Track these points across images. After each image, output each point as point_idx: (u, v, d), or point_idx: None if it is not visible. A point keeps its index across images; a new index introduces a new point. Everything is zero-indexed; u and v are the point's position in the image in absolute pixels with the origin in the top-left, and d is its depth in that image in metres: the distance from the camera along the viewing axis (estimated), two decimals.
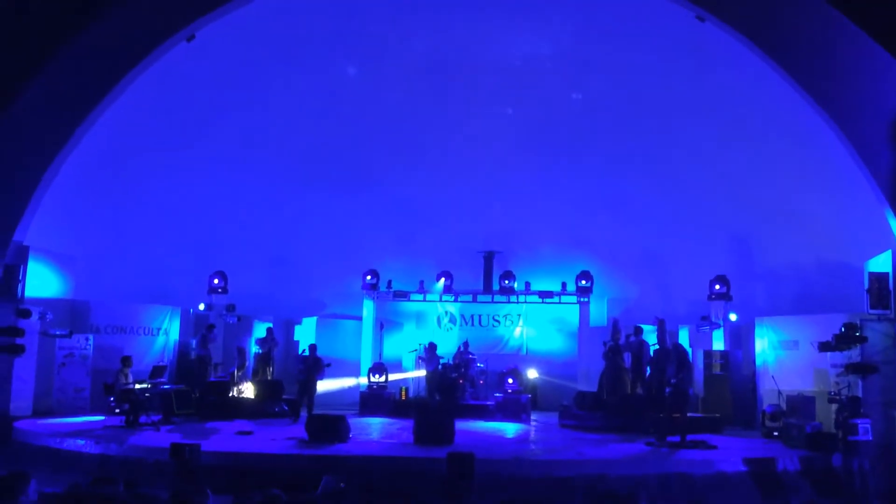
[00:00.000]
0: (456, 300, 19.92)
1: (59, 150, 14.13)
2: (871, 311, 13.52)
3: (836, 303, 15.29)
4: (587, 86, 17.06)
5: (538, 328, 19.92)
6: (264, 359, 17.41)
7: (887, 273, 13.42)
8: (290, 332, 19.32)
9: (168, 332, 18.04)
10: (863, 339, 13.52)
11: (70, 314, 16.81)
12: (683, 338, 17.29)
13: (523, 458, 11.97)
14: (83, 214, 16.77)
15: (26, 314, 14.88)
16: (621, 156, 17.70)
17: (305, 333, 19.10)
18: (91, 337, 16.76)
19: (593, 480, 10.75)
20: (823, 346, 14.53)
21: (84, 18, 12.61)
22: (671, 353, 13.87)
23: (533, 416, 17.06)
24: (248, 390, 16.75)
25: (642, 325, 15.93)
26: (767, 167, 16.03)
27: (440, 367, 17.72)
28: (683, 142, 16.84)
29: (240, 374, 16.84)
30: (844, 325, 13.95)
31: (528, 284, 19.68)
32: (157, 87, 14.87)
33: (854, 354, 13.75)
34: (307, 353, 16.40)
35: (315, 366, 16.21)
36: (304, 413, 15.19)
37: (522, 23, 16.05)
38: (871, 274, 13.58)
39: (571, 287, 19.09)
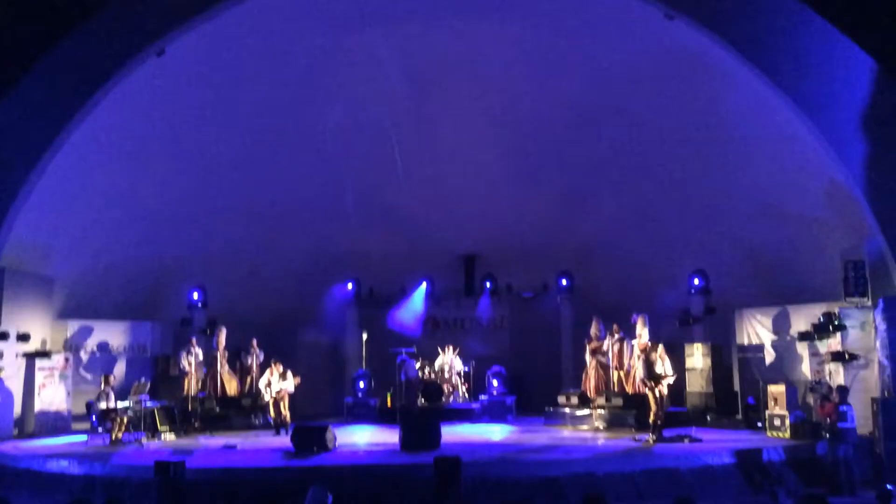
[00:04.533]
0: (438, 305, 19.95)
1: (32, 169, 13.98)
2: (849, 300, 13.68)
3: (815, 292, 15.43)
4: (561, 87, 17.06)
5: (521, 329, 19.94)
6: (248, 371, 17.29)
7: (863, 261, 13.58)
8: (272, 343, 19.19)
9: (149, 348, 17.92)
10: (842, 328, 13.68)
11: (50, 333, 16.67)
12: (664, 332, 17.36)
13: (510, 460, 12.00)
14: (59, 233, 16.57)
15: (5, 336, 14.75)
16: (599, 153, 17.72)
17: (288, 344, 18.98)
18: (71, 356, 16.62)
19: (581, 479, 10.78)
20: (803, 336, 14.70)
21: (55, 33, 12.53)
22: (647, 349, 13.97)
23: (518, 417, 17.09)
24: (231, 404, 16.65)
25: (624, 322, 15.97)
26: (745, 163, 16.11)
27: (423, 372, 17.71)
28: (662, 137, 16.88)
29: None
30: (823, 315, 14.10)
31: (509, 286, 19.78)
32: (129, 90, 14.63)
33: (833, 343, 13.91)
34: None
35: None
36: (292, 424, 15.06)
37: (495, 25, 16.02)
38: (847, 262, 13.74)
39: (553, 287, 19.21)
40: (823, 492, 10.98)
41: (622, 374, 15.88)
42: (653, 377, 13.55)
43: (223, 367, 17.05)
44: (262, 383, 15.85)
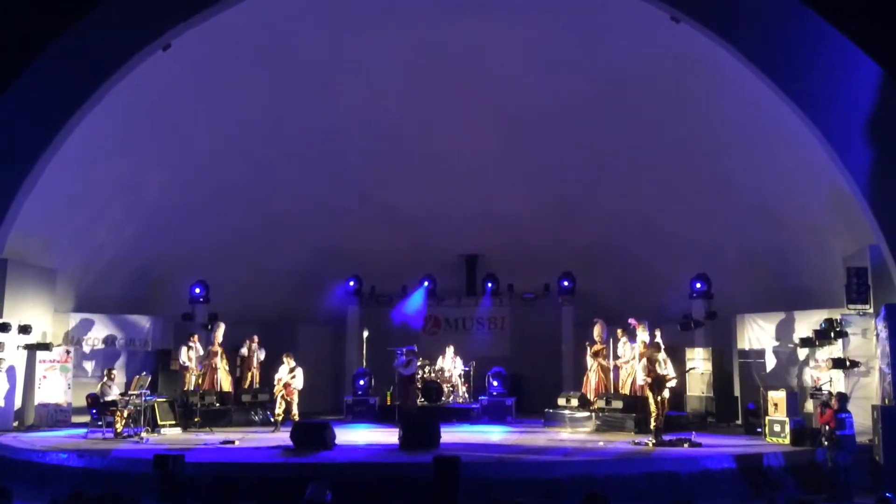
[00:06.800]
0: (439, 304, 19.95)
1: (35, 162, 13.99)
2: (851, 307, 13.66)
3: (817, 299, 15.41)
4: (564, 88, 17.03)
5: (522, 330, 19.94)
6: (247, 368, 17.27)
7: (866, 268, 13.56)
8: (274, 341, 19.17)
9: (150, 342, 17.93)
10: (843, 335, 13.67)
11: (51, 326, 16.67)
12: (666, 336, 17.35)
13: (509, 460, 11.99)
14: (62, 226, 16.56)
15: (6, 328, 14.76)
16: (602, 155, 17.68)
17: (288, 341, 18.96)
18: (72, 349, 16.63)
19: (580, 481, 10.77)
20: (804, 342, 14.68)
21: (59, 25, 12.54)
22: (650, 353, 13.96)
23: (518, 419, 17.08)
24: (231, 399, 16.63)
25: (625, 325, 15.95)
26: (748, 168, 16.08)
27: (422, 370, 17.67)
28: (665, 140, 16.85)
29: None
30: (824, 321, 14.09)
31: (511, 286, 19.78)
32: (132, 84, 14.60)
33: (835, 350, 13.90)
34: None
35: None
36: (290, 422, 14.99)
37: (499, 23, 15.97)
38: (849, 269, 13.72)
39: (555, 288, 19.20)
40: (820, 499, 11.06)
41: (623, 377, 15.85)
42: (655, 379, 13.54)
43: (221, 363, 16.98)
44: (277, 375, 15.63)
